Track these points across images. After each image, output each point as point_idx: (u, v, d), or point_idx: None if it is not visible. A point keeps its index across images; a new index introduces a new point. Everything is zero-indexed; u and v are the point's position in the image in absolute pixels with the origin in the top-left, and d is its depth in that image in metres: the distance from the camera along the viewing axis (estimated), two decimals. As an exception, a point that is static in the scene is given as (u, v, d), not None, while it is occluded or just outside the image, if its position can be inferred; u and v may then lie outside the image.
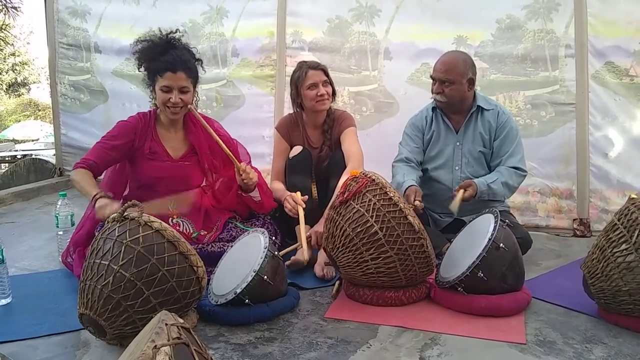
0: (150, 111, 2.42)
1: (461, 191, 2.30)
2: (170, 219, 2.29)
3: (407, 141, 2.63)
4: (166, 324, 0.89)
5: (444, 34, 3.27)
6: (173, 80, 2.23)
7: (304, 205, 2.35)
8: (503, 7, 3.15)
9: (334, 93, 2.64)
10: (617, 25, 2.98)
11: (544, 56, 3.09)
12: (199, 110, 2.57)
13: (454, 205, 2.26)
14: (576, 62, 3.02)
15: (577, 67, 3.02)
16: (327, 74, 2.60)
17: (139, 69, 2.34)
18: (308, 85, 2.55)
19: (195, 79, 2.33)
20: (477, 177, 2.46)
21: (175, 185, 2.35)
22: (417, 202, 2.17)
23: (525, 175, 2.49)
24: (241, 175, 2.25)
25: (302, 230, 2.26)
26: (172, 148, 2.38)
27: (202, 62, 2.39)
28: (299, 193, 2.40)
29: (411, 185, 2.33)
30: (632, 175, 2.99)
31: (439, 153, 2.58)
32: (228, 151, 2.23)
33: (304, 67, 2.59)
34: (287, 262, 2.21)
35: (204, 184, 2.46)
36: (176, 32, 2.33)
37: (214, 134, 2.22)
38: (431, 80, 2.50)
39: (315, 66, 2.60)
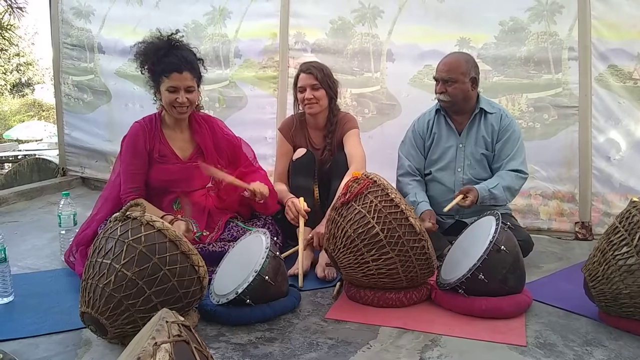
0: (155, 114, 2.42)
1: (459, 196, 2.31)
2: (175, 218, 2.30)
3: (408, 149, 2.64)
4: (167, 322, 0.89)
5: (447, 35, 3.26)
6: (179, 81, 2.24)
7: (307, 217, 2.35)
8: (506, 9, 3.14)
9: (334, 95, 2.63)
10: (621, 28, 2.96)
11: (547, 59, 3.08)
12: (201, 111, 2.58)
13: (448, 207, 2.30)
14: (579, 65, 3.01)
15: (581, 70, 3.01)
16: (317, 78, 2.54)
17: (141, 71, 2.34)
18: (298, 89, 2.59)
19: (199, 79, 2.35)
20: (479, 179, 2.47)
21: (183, 186, 2.36)
22: (429, 224, 2.28)
23: (526, 178, 2.49)
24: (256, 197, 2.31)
25: (301, 241, 2.25)
26: (179, 149, 2.39)
27: (203, 62, 2.40)
28: (302, 199, 2.39)
29: (427, 210, 2.43)
30: (634, 179, 2.97)
31: (441, 155, 2.58)
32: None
33: (298, 70, 2.63)
34: (290, 271, 2.20)
35: (209, 184, 2.47)
36: (176, 33, 2.34)
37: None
38: (434, 82, 2.50)
39: (306, 69, 2.59)
